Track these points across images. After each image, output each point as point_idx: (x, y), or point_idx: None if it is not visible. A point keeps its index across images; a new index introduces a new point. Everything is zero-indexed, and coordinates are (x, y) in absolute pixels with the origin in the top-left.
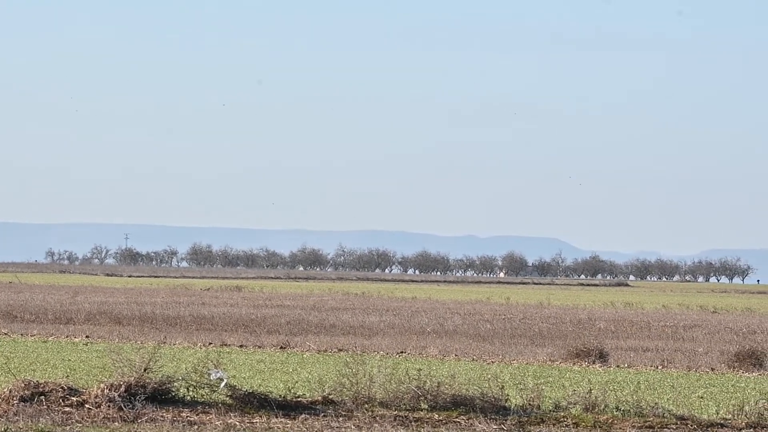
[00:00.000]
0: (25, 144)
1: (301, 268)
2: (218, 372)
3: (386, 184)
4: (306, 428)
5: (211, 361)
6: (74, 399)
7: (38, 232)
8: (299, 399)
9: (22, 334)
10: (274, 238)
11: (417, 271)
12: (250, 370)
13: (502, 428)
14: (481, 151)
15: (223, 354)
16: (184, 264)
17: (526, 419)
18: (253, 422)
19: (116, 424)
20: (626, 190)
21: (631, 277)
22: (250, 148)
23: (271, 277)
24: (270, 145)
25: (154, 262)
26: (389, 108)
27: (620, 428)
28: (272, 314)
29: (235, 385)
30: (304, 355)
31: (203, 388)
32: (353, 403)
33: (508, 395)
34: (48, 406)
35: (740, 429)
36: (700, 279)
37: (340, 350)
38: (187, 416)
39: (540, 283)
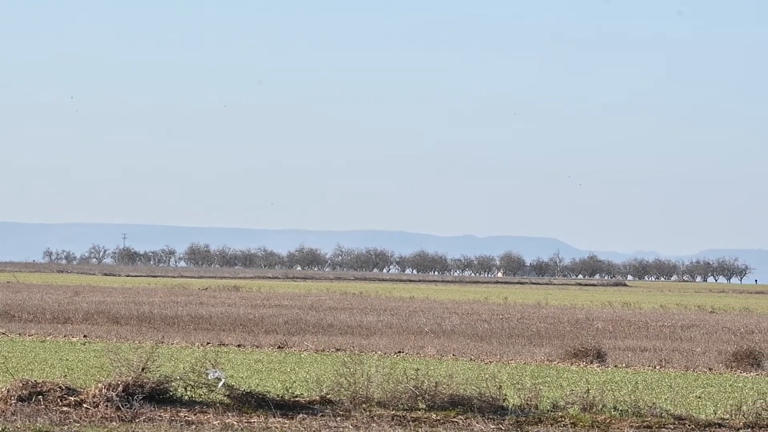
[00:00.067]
0: (25, 144)
1: (299, 268)
2: (216, 372)
3: (385, 184)
4: (304, 428)
5: (209, 361)
6: (72, 399)
7: (38, 232)
8: (297, 399)
9: (20, 334)
10: (273, 238)
11: (415, 271)
12: (248, 370)
13: (500, 428)
14: (480, 151)
15: (221, 354)
16: (182, 264)
17: (523, 419)
18: (250, 422)
19: (114, 423)
20: (624, 190)
21: (629, 277)
22: (250, 148)
23: (269, 277)
24: (270, 145)
25: (152, 262)
26: (389, 108)
27: (618, 428)
28: (270, 314)
29: (233, 385)
30: (302, 355)
31: (201, 387)
32: (351, 402)
33: (505, 395)
34: (46, 406)
35: (738, 429)
36: (698, 279)
37: (338, 350)
38: (185, 416)
39: (538, 283)
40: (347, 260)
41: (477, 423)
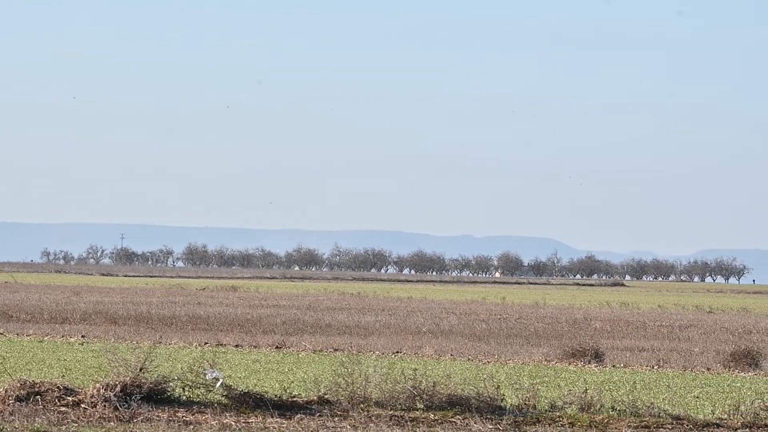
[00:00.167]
0: (25, 144)
1: (297, 268)
2: (214, 372)
3: (385, 185)
4: (302, 428)
5: (207, 361)
6: (70, 399)
7: (37, 232)
8: (295, 399)
9: (17, 334)
10: (271, 238)
11: (413, 271)
12: (246, 370)
13: (498, 428)
14: (480, 151)
15: (219, 354)
16: (180, 264)
17: (521, 419)
18: (248, 422)
19: (112, 423)
20: (623, 190)
21: (627, 277)
22: (250, 148)
23: (267, 277)
24: (269, 145)
25: (149, 262)
26: (389, 108)
27: (616, 428)
28: (268, 314)
29: (231, 385)
30: (300, 355)
31: (199, 388)
32: (349, 402)
33: (503, 395)
34: (44, 406)
35: (736, 429)
36: (696, 279)
37: (336, 350)
38: (182, 416)
39: (536, 283)
40: (345, 260)
41: (475, 423)
